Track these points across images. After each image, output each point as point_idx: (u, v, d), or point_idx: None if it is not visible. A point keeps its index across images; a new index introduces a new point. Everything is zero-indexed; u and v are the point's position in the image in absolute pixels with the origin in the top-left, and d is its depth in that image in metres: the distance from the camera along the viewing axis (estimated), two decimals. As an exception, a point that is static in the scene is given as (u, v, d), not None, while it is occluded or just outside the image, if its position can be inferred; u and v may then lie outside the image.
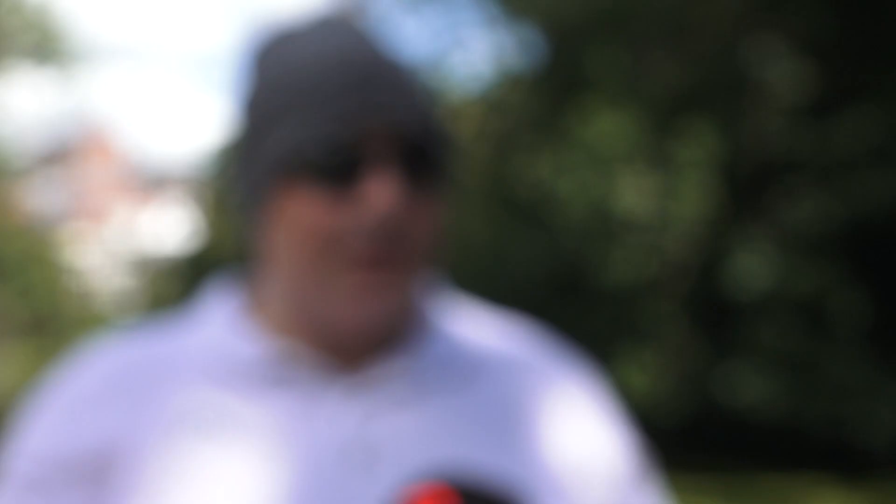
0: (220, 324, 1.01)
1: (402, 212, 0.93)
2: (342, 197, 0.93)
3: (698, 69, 8.84)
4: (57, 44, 17.93)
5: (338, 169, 0.93)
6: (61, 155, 34.07)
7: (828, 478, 7.51)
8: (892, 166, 7.75)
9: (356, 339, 0.97)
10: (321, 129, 0.92)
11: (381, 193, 0.92)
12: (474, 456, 0.96)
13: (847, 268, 8.05)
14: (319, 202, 0.93)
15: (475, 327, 1.08)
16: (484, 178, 10.49)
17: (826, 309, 8.06)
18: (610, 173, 8.26)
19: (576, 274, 8.70)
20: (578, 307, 8.69)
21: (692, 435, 8.43)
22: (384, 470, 0.93)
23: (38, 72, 18.13)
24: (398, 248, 0.94)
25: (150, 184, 38.66)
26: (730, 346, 8.34)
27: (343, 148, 0.93)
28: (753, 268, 8.10)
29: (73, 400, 0.97)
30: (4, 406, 9.87)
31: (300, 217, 0.94)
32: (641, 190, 8.24)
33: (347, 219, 0.93)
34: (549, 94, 10.11)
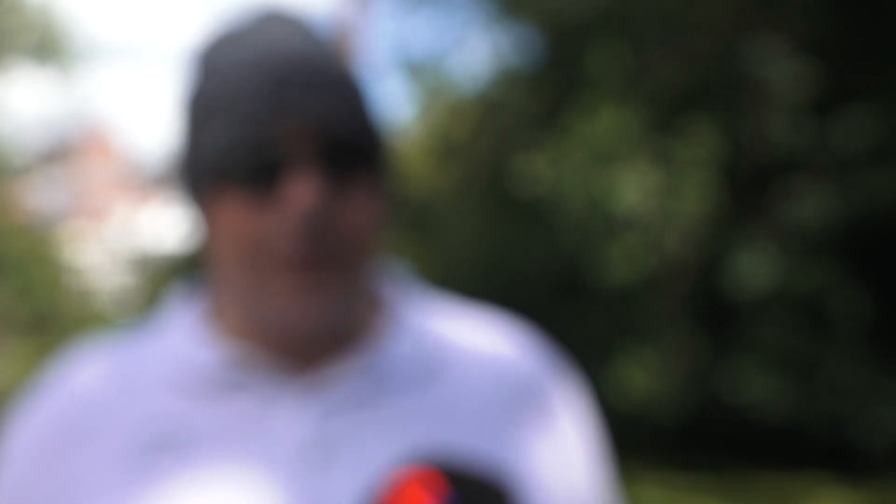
0: (180, 331, 1.02)
1: (323, 210, 0.92)
2: (265, 200, 0.93)
3: (698, 68, 8.83)
4: (57, 43, 17.94)
5: (259, 172, 0.92)
6: (61, 154, 34.06)
7: (828, 477, 7.51)
8: (893, 165, 7.75)
9: (303, 340, 0.97)
10: (240, 133, 0.92)
11: (300, 193, 0.92)
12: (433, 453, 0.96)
13: (848, 267, 8.04)
14: (244, 207, 0.93)
15: (444, 323, 1.07)
16: (483, 177, 10.50)
17: (827, 308, 8.06)
18: (610, 171, 8.25)
19: (576, 272, 8.70)
20: (578, 306, 8.69)
21: (692, 434, 8.42)
22: (343, 469, 0.93)
23: (38, 71, 18.13)
24: (326, 247, 0.94)
25: (151, 183, 38.65)
26: (731, 346, 8.33)
27: (262, 150, 0.92)
28: (754, 267, 8.09)
29: (42, 427, 0.98)
30: (6, 404, 9.88)
31: (228, 223, 0.94)
32: (641, 188, 8.23)
33: (271, 222, 0.93)
34: (548, 92, 10.10)
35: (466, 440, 0.97)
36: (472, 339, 1.07)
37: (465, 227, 10.28)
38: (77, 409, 0.98)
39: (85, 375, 1.00)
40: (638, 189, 8.20)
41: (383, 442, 0.95)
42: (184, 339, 1.00)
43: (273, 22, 0.99)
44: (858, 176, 7.88)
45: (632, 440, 7.57)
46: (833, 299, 8.02)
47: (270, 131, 0.92)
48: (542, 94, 10.27)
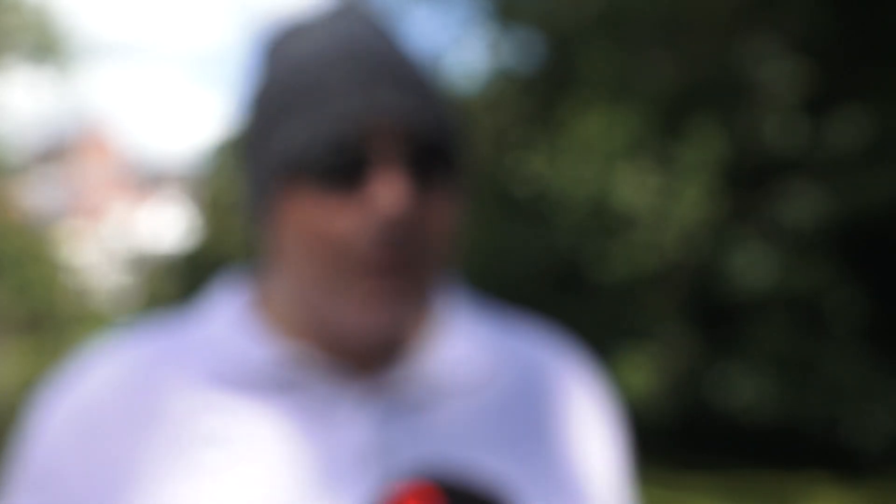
0: (227, 322, 0.98)
1: (410, 214, 0.89)
2: (348, 199, 0.89)
3: (694, 68, 8.85)
4: (54, 42, 17.90)
5: (342, 170, 0.89)
6: (58, 152, 34.01)
7: (823, 477, 7.52)
8: (888, 164, 7.77)
9: (368, 347, 0.94)
10: (324, 129, 0.89)
11: (387, 195, 0.88)
12: (486, 459, 0.95)
13: (843, 267, 8.06)
14: (324, 205, 0.90)
15: (495, 331, 1.06)
16: (480, 175, 10.51)
17: (822, 308, 8.07)
18: (605, 170, 8.27)
19: (572, 271, 8.71)
20: (575, 304, 8.70)
21: (688, 433, 8.44)
22: (401, 474, 0.91)
23: (35, 70, 18.10)
24: (408, 253, 0.90)
25: (148, 181, 38.65)
26: (726, 345, 8.35)
27: (347, 148, 0.89)
28: (750, 267, 8.11)
29: (79, 411, 0.94)
30: (3, 403, 9.86)
31: (305, 220, 0.90)
32: (637, 187, 8.25)
33: (352, 222, 0.89)
34: (545, 91, 10.12)
35: (511, 450, 0.97)
36: (515, 344, 1.06)
37: (460, 227, 10.28)
38: (117, 393, 0.94)
39: (124, 361, 0.96)
40: (635, 189, 8.22)
41: (438, 448, 0.94)
42: (231, 331, 0.97)
43: (348, 15, 0.96)
44: (853, 175, 7.89)
45: (627, 439, 7.57)
46: (828, 299, 8.03)
47: (358, 129, 0.88)
48: (538, 94, 10.28)
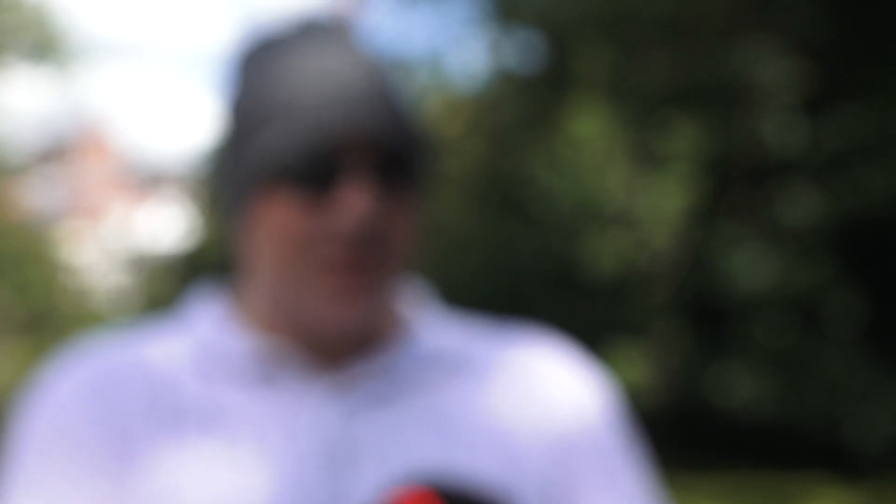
0: (207, 323, 1.04)
1: (376, 217, 0.96)
2: (319, 203, 0.96)
3: (691, 68, 8.86)
4: (54, 42, 17.91)
5: (315, 176, 0.96)
6: (58, 152, 34.01)
7: (821, 476, 7.52)
8: (884, 164, 7.78)
9: (336, 340, 1.00)
10: (300, 139, 0.95)
11: (356, 200, 0.95)
12: (453, 454, 0.98)
13: (841, 266, 8.06)
14: (297, 208, 0.96)
15: (463, 330, 1.10)
16: (477, 174, 10.52)
17: (819, 307, 8.08)
18: (600, 169, 8.29)
19: (566, 268, 8.72)
20: (568, 301, 8.71)
21: (681, 431, 8.44)
22: (366, 467, 0.95)
23: (35, 70, 18.10)
24: (373, 253, 0.97)
25: (147, 182, 38.62)
26: (721, 344, 8.35)
27: (320, 158, 0.96)
28: (746, 266, 8.12)
29: (81, 384, 0.99)
30: (2, 403, 9.88)
31: (278, 222, 0.97)
32: (630, 186, 8.27)
33: (323, 224, 0.96)
34: (542, 91, 10.13)
35: (478, 446, 0.99)
36: (482, 341, 1.08)
37: (457, 225, 10.29)
38: (105, 379, 0.99)
39: (111, 356, 1.02)
40: (626, 186, 8.24)
41: (403, 442, 0.97)
42: (212, 330, 1.03)
43: (323, 30, 1.02)
44: (851, 175, 7.90)
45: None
46: (826, 298, 8.04)
47: (332, 139, 0.96)
48: (536, 94, 10.29)
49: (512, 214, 9.52)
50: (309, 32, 1.02)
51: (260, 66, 1.01)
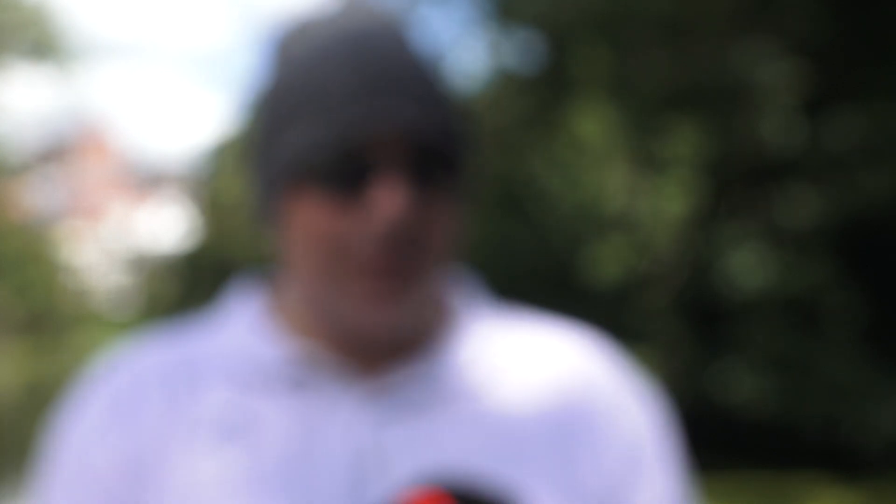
0: (242, 326, 1.00)
1: (411, 218, 0.91)
2: (350, 203, 0.91)
3: (691, 69, 8.86)
4: (54, 41, 17.91)
5: (346, 174, 0.91)
6: (58, 153, 34.00)
7: (821, 476, 7.52)
8: (883, 165, 7.78)
9: (372, 345, 0.96)
10: (329, 135, 0.90)
11: (389, 200, 0.90)
12: (483, 464, 0.95)
13: (840, 266, 8.07)
14: (327, 208, 0.91)
15: (508, 333, 1.04)
16: (480, 176, 10.52)
17: (819, 307, 8.08)
18: (600, 171, 8.29)
19: (566, 270, 8.72)
20: (568, 304, 8.70)
21: (684, 432, 8.44)
22: (397, 476, 0.92)
23: (35, 70, 18.11)
24: (408, 256, 0.92)
25: (147, 182, 38.63)
26: (722, 344, 8.35)
27: (351, 153, 0.90)
28: (746, 266, 8.12)
29: (104, 409, 0.98)
30: (3, 402, 9.88)
31: (309, 222, 0.93)
32: (630, 188, 8.27)
33: (355, 225, 0.91)
34: (542, 92, 10.13)
35: (511, 457, 0.96)
36: (536, 349, 1.03)
37: (463, 227, 10.30)
38: (128, 398, 0.97)
39: (147, 361, 0.99)
40: (627, 188, 8.24)
41: (435, 452, 0.94)
42: (246, 333, 0.99)
43: (356, 15, 0.97)
44: (850, 176, 7.90)
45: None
46: (825, 299, 8.04)
47: (362, 136, 0.90)
48: (536, 95, 10.29)
49: (512, 216, 9.52)
50: (339, 18, 0.96)
51: (289, 57, 0.95)
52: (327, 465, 0.93)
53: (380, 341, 0.95)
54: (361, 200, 0.91)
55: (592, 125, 8.23)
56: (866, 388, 7.73)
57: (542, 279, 9.00)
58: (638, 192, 8.11)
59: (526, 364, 1.01)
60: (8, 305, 19.90)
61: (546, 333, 1.05)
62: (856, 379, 7.75)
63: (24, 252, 19.74)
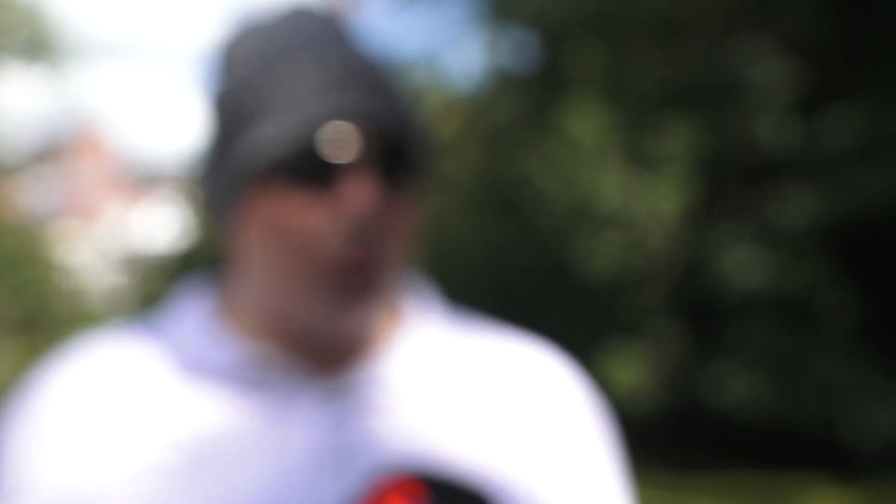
0: (191, 327, 0.99)
1: (378, 213, 0.91)
2: (318, 198, 0.91)
3: (686, 68, 8.87)
4: (48, 41, 17.89)
5: (313, 170, 0.91)
6: (53, 152, 33.97)
7: (816, 476, 7.53)
8: (878, 164, 7.79)
9: (332, 345, 0.96)
10: (296, 131, 0.90)
11: (357, 194, 0.90)
12: (446, 452, 0.96)
13: (835, 266, 8.08)
14: (295, 203, 0.91)
15: (460, 335, 1.06)
16: (472, 175, 10.52)
17: (814, 307, 8.09)
18: (595, 170, 8.30)
19: (560, 269, 8.73)
20: (563, 302, 8.71)
21: (676, 432, 8.45)
22: (356, 476, 0.92)
23: (29, 69, 18.08)
24: (374, 251, 0.92)
25: (142, 181, 38.59)
26: (716, 344, 8.36)
27: (317, 149, 0.91)
28: (741, 265, 8.13)
29: (47, 425, 0.95)
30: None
31: (275, 218, 0.92)
32: (625, 186, 8.28)
33: (324, 220, 0.91)
34: (537, 91, 10.14)
35: (469, 443, 0.97)
36: (485, 351, 1.05)
37: (452, 225, 10.30)
38: (85, 390, 0.95)
39: (92, 362, 0.97)
40: (621, 187, 8.25)
41: (396, 448, 0.94)
42: (196, 334, 0.98)
43: (308, 16, 0.97)
44: (845, 175, 7.91)
45: (617, 442, 7.57)
46: (820, 298, 8.05)
47: (329, 131, 0.90)
48: (531, 95, 10.30)
49: (507, 215, 9.53)
50: (298, 20, 0.97)
51: (247, 55, 0.96)
52: (286, 466, 0.92)
53: (339, 341, 0.95)
54: (329, 195, 0.91)
55: (587, 123, 8.24)
56: (861, 387, 7.73)
57: (537, 277, 9.01)
58: (632, 191, 8.12)
59: (475, 364, 1.02)
60: (2, 305, 19.86)
61: (495, 338, 1.06)
62: (851, 378, 7.76)
63: (18, 252, 19.71)
